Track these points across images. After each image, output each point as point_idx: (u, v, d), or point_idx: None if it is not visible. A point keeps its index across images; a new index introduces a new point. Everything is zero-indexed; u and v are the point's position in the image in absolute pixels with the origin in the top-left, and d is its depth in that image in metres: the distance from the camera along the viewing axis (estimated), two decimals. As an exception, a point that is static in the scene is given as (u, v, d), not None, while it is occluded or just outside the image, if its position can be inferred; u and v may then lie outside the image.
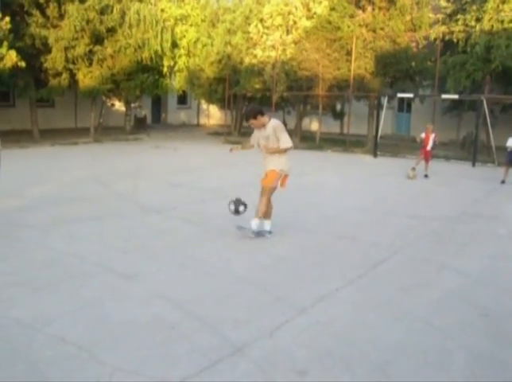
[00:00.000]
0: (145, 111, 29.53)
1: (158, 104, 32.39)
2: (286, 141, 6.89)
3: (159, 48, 21.40)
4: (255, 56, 21.24)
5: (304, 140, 22.66)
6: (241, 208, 7.16)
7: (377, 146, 19.01)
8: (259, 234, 7.06)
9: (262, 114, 6.94)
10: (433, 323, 4.50)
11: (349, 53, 19.62)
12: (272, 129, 6.86)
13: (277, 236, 7.21)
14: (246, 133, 18.99)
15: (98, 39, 19.65)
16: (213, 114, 35.51)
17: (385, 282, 5.54)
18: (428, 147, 13.54)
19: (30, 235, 6.94)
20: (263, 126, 6.93)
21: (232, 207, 7.18)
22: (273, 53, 20.92)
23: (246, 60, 21.58)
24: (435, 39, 19.23)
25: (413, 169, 13.33)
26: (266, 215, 7.08)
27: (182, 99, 33.45)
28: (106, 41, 19.82)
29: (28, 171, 12.99)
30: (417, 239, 7.33)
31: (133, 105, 26.16)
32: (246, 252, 6.45)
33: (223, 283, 5.34)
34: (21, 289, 4.97)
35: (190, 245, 6.69)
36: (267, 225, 7.15)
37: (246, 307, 4.71)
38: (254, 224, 6.94)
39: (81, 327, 4.20)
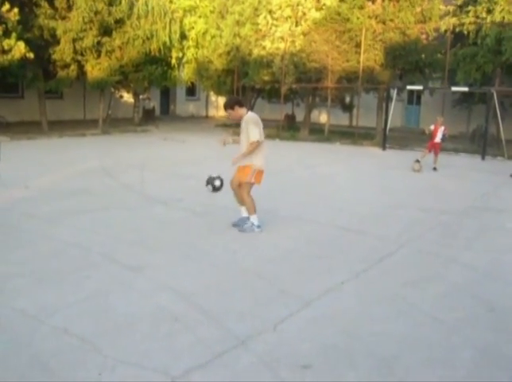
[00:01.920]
0: (154, 103, 29.46)
1: (167, 96, 32.34)
2: (252, 135, 6.61)
3: (167, 40, 21.31)
4: (264, 48, 21.11)
5: (313, 132, 22.57)
6: (216, 182, 7.10)
7: (386, 139, 18.88)
8: (235, 225, 7.07)
9: (240, 105, 6.87)
10: (439, 317, 4.46)
11: (358, 45, 19.46)
12: (244, 122, 6.73)
13: (284, 229, 7.19)
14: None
15: (106, 30, 19.58)
16: (222, 106, 35.40)
17: (392, 275, 5.50)
18: (437, 139, 13.40)
19: (36, 226, 6.96)
20: (241, 117, 6.82)
21: (210, 187, 7.13)
22: (281, 45, 20.79)
23: (255, 52, 21.45)
24: (445, 31, 19.00)
25: (417, 161, 13.17)
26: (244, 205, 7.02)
27: (191, 91, 33.37)
28: (114, 33, 19.75)
29: (35, 162, 13.01)
30: (425, 233, 7.27)
31: (141, 97, 26.11)
32: (252, 244, 6.43)
33: (228, 276, 5.32)
34: (26, 280, 4.98)
35: (196, 237, 6.68)
36: (244, 213, 7.08)
37: (250, 300, 4.70)
38: (254, 219, 6.92)
39: (85, 319, 4.20)
